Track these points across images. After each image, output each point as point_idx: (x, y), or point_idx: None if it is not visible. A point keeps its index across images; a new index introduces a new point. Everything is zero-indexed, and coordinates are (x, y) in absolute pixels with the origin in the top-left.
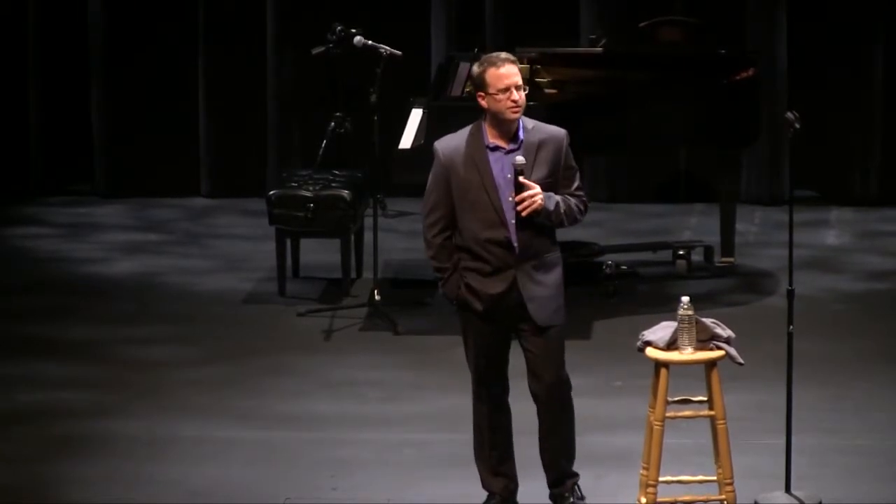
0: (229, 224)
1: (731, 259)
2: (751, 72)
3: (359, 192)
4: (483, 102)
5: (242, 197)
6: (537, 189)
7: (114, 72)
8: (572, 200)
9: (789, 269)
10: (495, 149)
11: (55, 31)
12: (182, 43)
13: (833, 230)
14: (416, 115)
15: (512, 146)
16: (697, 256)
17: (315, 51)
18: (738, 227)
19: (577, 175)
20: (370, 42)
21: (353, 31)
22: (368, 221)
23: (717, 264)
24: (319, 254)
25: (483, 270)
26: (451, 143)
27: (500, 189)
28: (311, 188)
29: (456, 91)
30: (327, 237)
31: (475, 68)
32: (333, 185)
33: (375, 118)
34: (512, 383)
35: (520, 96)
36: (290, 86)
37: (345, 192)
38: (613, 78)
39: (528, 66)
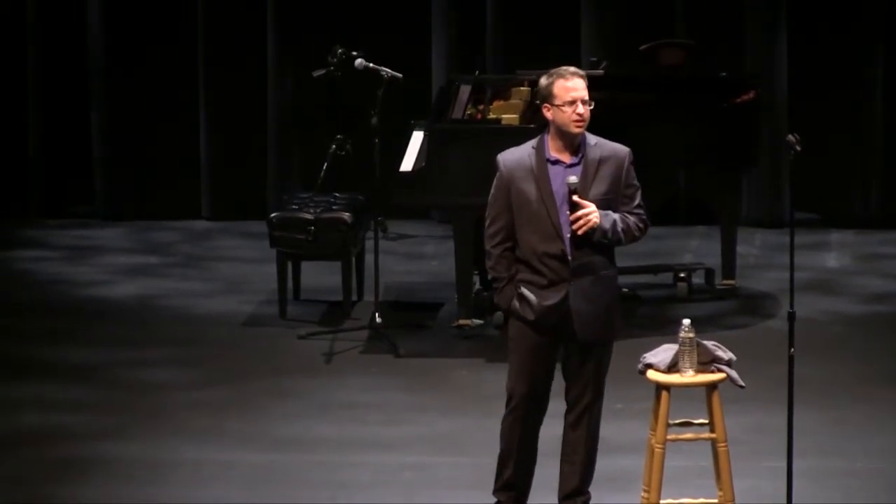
0: (230, 246)
1: (732, 282)
2: (751, 95)
3: (359, 215)
4: (548, 114)
5: (243, 219)
6: (592, 207)
7: (114, 94)
8: (631, 219)
9: (790, 291)
10: (556, 162)
11: (55, 54)
12: (182, 65)
13: (834, 253)
14: (416, 138)
15: (573, 160)
16: (698, 279)
17: (316, 73)
18: (739, 249)
19: (638, 193)
20: (371, 65)
21: (354, 53)
22: (369, 244)
23: (718, 287)
24: (320, 276)
25: (538, 283)
26: (514, 156)
27: (559, 203)
28: (311, 210)
29: (457, 114)
30: (328, 259)
31: (543, 80)
32: (334, 207)
33: (376, 141)
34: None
35: (585, 111)
36: (291, 108)
37: (345, 215)
38: (614, 101)
39: (528, 88)
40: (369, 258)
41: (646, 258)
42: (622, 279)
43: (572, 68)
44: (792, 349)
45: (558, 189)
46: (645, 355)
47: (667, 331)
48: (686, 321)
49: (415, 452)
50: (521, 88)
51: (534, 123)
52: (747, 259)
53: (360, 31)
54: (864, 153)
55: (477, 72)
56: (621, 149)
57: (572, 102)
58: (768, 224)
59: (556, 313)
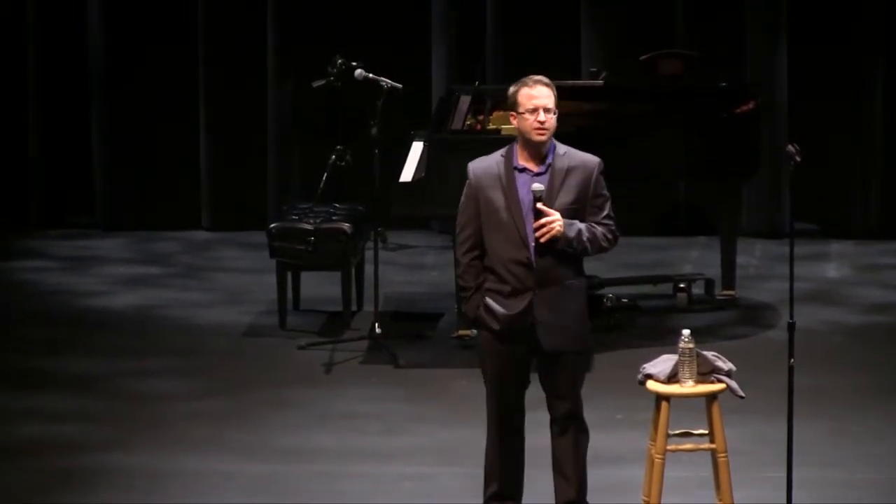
0: (230, 257)
1: (731, 292)
2: (751, 105)
3: (359, 225)
4: (514, 122)
5: (243, 230)
6: (556, 216)
7: (114, 105)
8: (598, 229)
9: (790, 302)
10: (523, 170)
11: (55, 64)
12: (183, 76)
13: (833, 263)
14: (416, 149)
15: (541, 169)
16: (698, 289)
17: (316, 84)
18: (739, 260)
19: (608, 204)
20: (371, 75)
21: (354, 64)
22: (369, 254)
23: (718, 297)
24: (320, 287)
25: (503, 291)
26: (483, 164)
27: (525, 210)
28: (311, 221)
29: (457, 124)
30: (328, 270)
31: (511, 88)
32: (334, 217)
33: (376, 151)
34: (530, 413)
35: (547, 119)
36: (291, 119)
37: (345, 225)
38: (614, 111)
39: None
40: (369, 268)
41: (646, 268)
42: (622, 289)
43: (538, 77)
44: (792, 360)
45: (525, 197)
46: (645, 366)
47: (666, 341)
48: (686, 332)
49: (415, 463)
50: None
51: None
52: (747, 269)
53: (360, 40)
54: (864, 162)
55: (477, 82)
56: (591, 159)
57: (534, 110)
58: (768, 234)
59: (520, 322)
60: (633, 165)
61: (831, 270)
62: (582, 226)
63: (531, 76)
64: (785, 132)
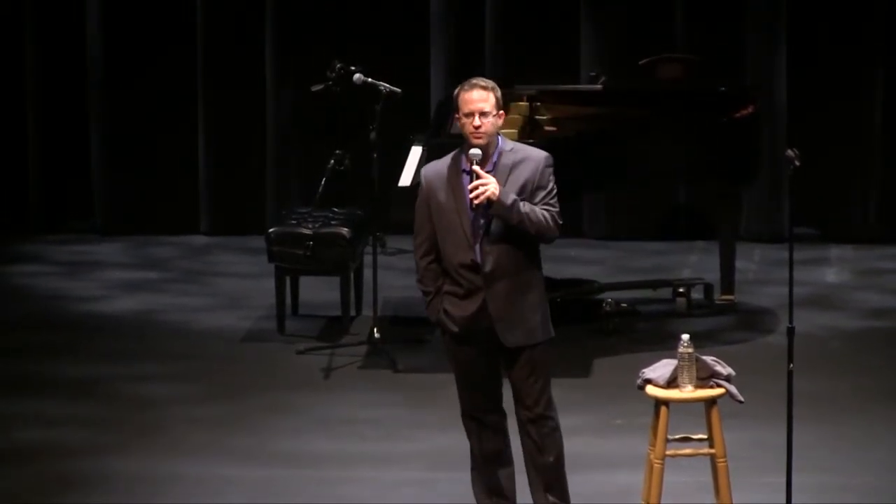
0: (229, 262)
1: (730, 297)
2: (751, 109)
3: (358, 230)
4: (458, 124)
5: (242, 234)
6: (490, 179)
7: (113, 109)
8: (538, 208)
9: (789, 306)
10: (470, 172)
11: (54, 69)
12: (181, 80)
13: (833, 268)
14: (415, 153)
15: (487, 168)
16: (697, 294)
17: (315, 88)
18: (738, 264)
19: (551, 193)
20: (370, 79)
21: (353, 68)
22: (368, 259)
23: (717, 302)
24: (319, 291)
25: (458, 293)
26: (435, 168)
27: (471, 212)
28: (310, 226)
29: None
30: (327, 275)
31: (456, 90)
32: (333, 222)
33: (375, 155)
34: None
35: (482, 123)
36: (290, 123)
37: (344, 230)
38: (613, 115)
39: (527, 103)
40: (368, 273)
41: (645, 273)
42: (621, 294)
43: (478, 79)
44: (791, 364)
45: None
46: (644, 370)
47: (666, 346)
48: (685, 336)
49: (413, 468)
50: (520, 103)
51: (533, 138)
52: (746, 274)
53: (359, 42)
54: (863, 168)
55: None
56: (538, 152)
57: (469, 114)
58: (767, 239)
59: (476, 323)
60: (632, 169)
61: (831, 275)
62: (520, 200)
63: (472, 78)
64: (784, 134)
